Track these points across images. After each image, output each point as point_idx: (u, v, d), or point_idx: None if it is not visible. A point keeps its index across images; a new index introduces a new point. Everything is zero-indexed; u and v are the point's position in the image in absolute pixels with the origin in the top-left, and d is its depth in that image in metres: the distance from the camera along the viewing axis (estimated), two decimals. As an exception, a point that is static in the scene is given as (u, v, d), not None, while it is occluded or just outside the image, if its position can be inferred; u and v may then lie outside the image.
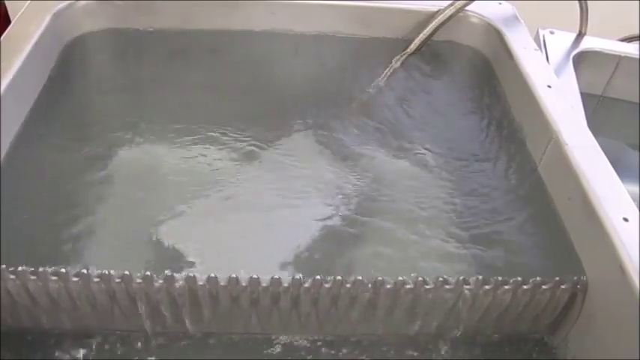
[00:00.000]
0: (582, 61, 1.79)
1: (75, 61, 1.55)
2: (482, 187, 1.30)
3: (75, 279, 1.02)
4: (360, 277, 1.05)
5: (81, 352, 1.12)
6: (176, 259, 1.09)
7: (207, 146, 1.36)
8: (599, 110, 1.92)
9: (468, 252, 1.15)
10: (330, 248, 1.15)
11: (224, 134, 1.39)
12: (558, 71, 1.68)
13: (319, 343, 1.16)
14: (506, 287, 1.08)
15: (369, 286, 1.05)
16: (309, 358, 1.13)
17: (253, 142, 1.38)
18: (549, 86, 1.36)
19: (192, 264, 1.08)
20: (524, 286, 1.08)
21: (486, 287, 1.07)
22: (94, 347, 1.13)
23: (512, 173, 1.34)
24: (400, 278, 1.06)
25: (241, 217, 1.21)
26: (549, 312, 1.12)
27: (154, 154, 1.32)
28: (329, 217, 1.23)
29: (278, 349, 1.15)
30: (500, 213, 1.24)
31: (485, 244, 1.16)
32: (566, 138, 1.22)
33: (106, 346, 1.13)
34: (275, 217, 1.22)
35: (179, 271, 1.05)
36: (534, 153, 1.33)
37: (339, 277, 1.05)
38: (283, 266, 1.11)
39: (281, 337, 1.16)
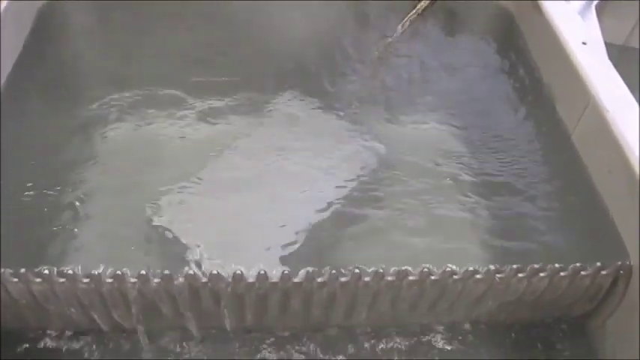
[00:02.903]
0: (605, 9, 1.62)
1: (50, 27, 1.40)
2: (506, 159, 1.18)
3: (85, 280, 0.91)
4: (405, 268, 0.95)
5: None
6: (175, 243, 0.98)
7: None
8: (622, 61, 1.77)
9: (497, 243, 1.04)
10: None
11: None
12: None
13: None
14: (541, 275, 0.97)
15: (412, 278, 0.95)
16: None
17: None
18: (584, 43, 1.21)
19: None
20: (562, 273, 0.97)
21: (520, 275, 0.97)
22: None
23: (541, 142, 1.21)
24: (426, 269, 0.95)
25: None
26: (588, 298, 1.02)
27: (144, 129, 1.20)
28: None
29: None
30: (530, 188, 1.12)
31: (514, 231, 1.05)
32: (606, 103, 1.08)
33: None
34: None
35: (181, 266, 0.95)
36: (567, 119, 1.20)
37: (380, 270, 0.94)
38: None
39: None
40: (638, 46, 1.87)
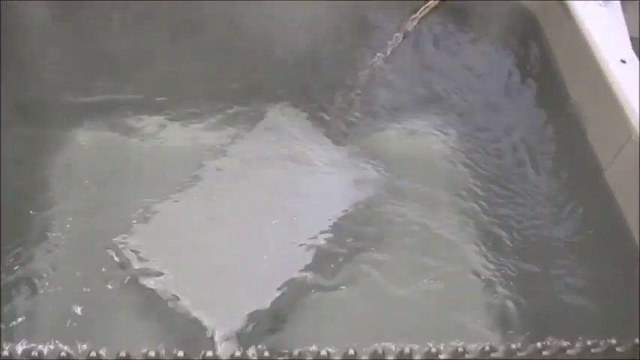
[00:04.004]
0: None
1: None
2: (524, 200, 1.01)
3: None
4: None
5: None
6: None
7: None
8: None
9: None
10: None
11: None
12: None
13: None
14: (570, 352, 0.81)
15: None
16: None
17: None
18: (623, 61, 1.03)
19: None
20: (593, 350, 0.81)
21: (545, 353, 0.80)
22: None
23: (566, 176, 1.04)
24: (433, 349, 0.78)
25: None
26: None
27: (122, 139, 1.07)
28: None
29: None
30: (551, 236, 0.95)
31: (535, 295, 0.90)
32: (654, 141, 0.90)
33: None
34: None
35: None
36: (600, 150, 1.02)
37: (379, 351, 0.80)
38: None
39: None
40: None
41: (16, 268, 0.88)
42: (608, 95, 0.99)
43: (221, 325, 0.85)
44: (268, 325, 0.87)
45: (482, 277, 0.91)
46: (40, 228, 0.94)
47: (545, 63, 1.20)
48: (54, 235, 0.93)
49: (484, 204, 1.02)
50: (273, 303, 0.88)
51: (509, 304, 0.88)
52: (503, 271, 0.93)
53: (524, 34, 1.27)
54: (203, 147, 1.07)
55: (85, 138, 1.07)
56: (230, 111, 1.13)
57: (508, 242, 0.96)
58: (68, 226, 0.95)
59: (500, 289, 0.91)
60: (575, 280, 0.90)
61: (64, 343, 0.82)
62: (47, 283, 0.88)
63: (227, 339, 0.84)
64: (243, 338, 0.84)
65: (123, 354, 0.77)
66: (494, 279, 0.92)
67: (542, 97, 1.18)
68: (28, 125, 1.07)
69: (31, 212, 0.95)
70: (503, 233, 0.98)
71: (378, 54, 1.22)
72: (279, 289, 0.89)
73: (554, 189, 1.03)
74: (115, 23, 1.23)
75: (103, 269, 0.90)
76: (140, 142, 1.07)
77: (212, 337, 0.84)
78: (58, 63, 1.18)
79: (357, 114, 1.15)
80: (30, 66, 1.16)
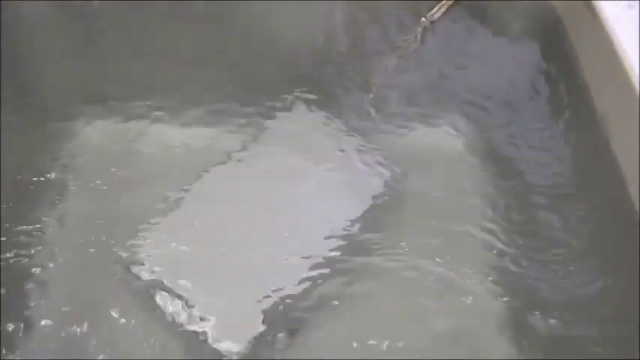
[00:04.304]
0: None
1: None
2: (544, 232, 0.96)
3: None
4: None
5: None
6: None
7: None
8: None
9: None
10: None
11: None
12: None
13: None
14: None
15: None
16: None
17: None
18: (654, 70, 0.96)
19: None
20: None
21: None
22: None
23: (592, 203, 0.98)
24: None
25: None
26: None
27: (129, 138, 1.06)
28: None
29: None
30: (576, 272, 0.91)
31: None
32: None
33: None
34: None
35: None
36: (625, 163, 0.97)
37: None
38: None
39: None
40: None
41: (15, 267, 0.88)
42: (635, 105, 0.93)
43: (228, 334, 0.83)
44: (279, 334, 0.85)
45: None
46: (42, 229, 0.93)
47: (570, 66, 1.14)
48: (56, 234, 0.92)
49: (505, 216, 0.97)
50: (283, 312, 0.86)
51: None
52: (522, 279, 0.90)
53: (548, 35, 1.21)
54: (211, 149, 1.05)
55: (87, 139, 1.05)
56: (239, 110, 1.10)
57: (520, 262, 0.91)
58: (72, 226, 0.94)
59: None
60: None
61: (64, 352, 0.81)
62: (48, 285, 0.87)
63: (234, 349, 0.82)
64: (253, 349, 0.83)
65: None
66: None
67: (565, 101, 1.12)
68: (30, 122, 1.05)
69: (31, 212, 0.94)
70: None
71: (394, 52, 1.18)
72: (289, 297, 0.88)
73: (579, 224, 0.98)
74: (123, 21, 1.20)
75: (106, 273, 0.89)
76: (145, 144, 1.06)
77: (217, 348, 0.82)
78: (64, 61, 1.16)
79: (372, 114, 1.11)
80: (36, 62, 1.14)
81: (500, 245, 0.95)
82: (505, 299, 0.90)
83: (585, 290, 0.89)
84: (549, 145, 1.08)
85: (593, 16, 1.09)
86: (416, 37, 1.19)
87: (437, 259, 0.93)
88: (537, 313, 0.87)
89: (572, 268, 0.91)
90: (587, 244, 0.93)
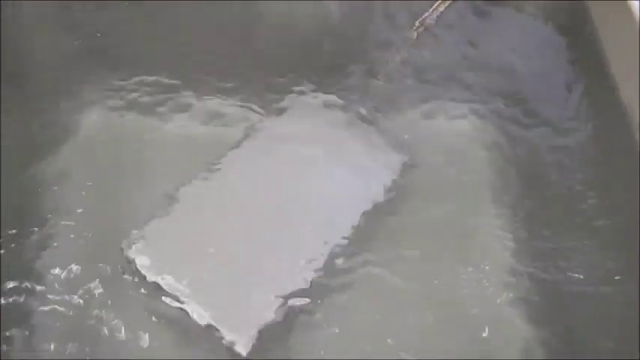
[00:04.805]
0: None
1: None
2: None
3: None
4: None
5: None
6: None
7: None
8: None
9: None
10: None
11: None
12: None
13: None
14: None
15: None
16: None
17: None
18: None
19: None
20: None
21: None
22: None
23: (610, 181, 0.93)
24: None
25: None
26: None
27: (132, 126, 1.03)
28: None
29: None
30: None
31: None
32: None
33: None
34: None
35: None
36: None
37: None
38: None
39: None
40: None
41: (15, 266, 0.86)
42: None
43: (235, 331, 0.81)
44: (284, 330, 0.83)
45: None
46: (47, 220, 0.91)
47: (592, 55, 1.08)
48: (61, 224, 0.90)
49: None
50: (288, 309, 0.84)
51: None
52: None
53: (573, 20, 1.14)
54: (214, 140, 1.02)
55: (94, 126, 1.03)
56: (244, 99, 1.07)
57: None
58: (79, 211, 0.92)
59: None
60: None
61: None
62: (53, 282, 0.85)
63: (241, 344, 0.80)
64: (255, 347, 0.80)
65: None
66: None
67: (589, 91, 1.07)
68: (33, 109, 1.03)
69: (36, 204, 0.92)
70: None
71: (407, 35, 1.13)
72: (293, 294, 0.85)
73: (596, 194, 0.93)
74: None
75: (113, 266, 0.87)
76: (154, 129, 1.03)
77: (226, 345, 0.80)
78: (72, 44, 1.13)
79: (384, 96, 1.07)
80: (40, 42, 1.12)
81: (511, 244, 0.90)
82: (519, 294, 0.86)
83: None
84: (570, 133, 1.02)
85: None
86: (424, 21, 1.14)
87: (448, 253, 0.90)
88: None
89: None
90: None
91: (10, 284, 0.84)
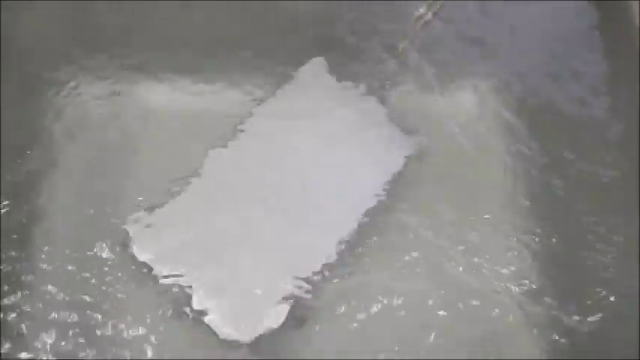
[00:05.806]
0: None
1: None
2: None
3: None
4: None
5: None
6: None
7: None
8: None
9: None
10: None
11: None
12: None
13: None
14: None
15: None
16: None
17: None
18: None
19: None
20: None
21: None
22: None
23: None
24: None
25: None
26: None
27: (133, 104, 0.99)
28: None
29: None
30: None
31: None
32: None
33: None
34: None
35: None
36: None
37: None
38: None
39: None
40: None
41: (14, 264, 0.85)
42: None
43: (234, 322, 0.80)
44: (289, 328, 0.81)
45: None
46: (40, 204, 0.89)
47: (625, 37, 1.04)
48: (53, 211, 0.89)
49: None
50: (295, 300, 0.82)
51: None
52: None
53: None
54: (223, 113, 0.98)
55: (86, 109, 0.99)
56: (253, 77, 1.03)
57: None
58: (69, 202, 0.90)
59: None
60: None
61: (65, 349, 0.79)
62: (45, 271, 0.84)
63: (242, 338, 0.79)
64: (259, 339, 0.80)
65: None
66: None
67: (614, 90, 1.02)
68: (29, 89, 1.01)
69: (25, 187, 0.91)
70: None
71: (421, 9, 1.10)
72: (301, 286, 0.83)
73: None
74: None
75: (111, 254, 0.85)
76: (158, 106, 1.00)
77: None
78: (66, 25, 1.09)
79: (396, 77, 1.03)
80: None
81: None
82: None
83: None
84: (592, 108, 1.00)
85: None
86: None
87: (459, 240, 0.89)
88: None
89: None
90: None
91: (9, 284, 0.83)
